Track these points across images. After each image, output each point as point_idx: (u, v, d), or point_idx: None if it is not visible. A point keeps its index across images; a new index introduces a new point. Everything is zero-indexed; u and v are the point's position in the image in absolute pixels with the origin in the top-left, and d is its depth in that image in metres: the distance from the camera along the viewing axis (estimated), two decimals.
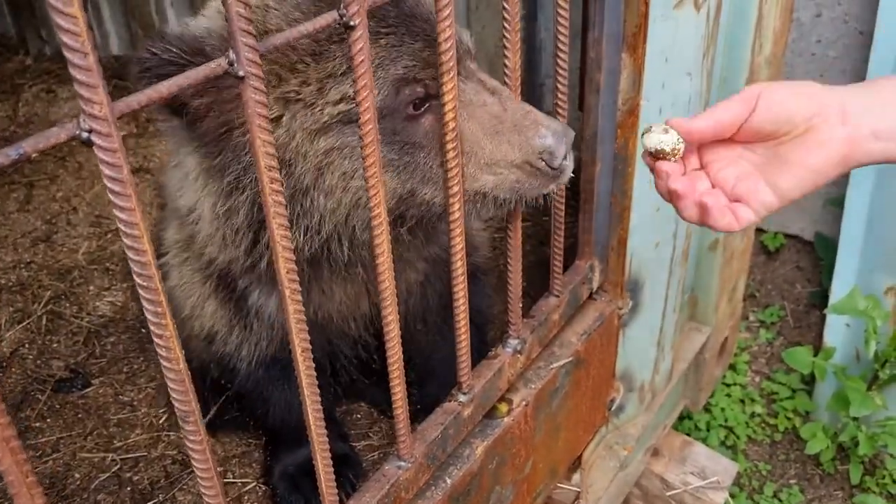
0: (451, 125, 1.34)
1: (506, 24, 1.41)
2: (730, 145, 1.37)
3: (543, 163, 1.46)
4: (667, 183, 1.36)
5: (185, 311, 1.98)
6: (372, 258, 1.33)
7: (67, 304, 2.98)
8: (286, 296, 1.16)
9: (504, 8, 1.40)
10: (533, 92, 3.53)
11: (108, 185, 0.90)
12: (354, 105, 1.38)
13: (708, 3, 1.86)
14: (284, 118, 1.45)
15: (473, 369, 1.76)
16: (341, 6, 1.12)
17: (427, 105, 1.48)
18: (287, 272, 1.14)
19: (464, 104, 1.46)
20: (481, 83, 1.52)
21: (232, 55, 0.99)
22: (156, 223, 2.15)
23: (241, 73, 0.99)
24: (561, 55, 1.59)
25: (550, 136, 1.45)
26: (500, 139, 1.47)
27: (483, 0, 3.46)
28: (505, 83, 1.50)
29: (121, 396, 2.61)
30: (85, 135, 0.87)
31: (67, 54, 0.82)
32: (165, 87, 0.94)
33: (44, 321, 2.90)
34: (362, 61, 1.15)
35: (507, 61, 1.45)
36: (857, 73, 3.28)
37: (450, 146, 1.36)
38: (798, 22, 3.31)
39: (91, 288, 3.07)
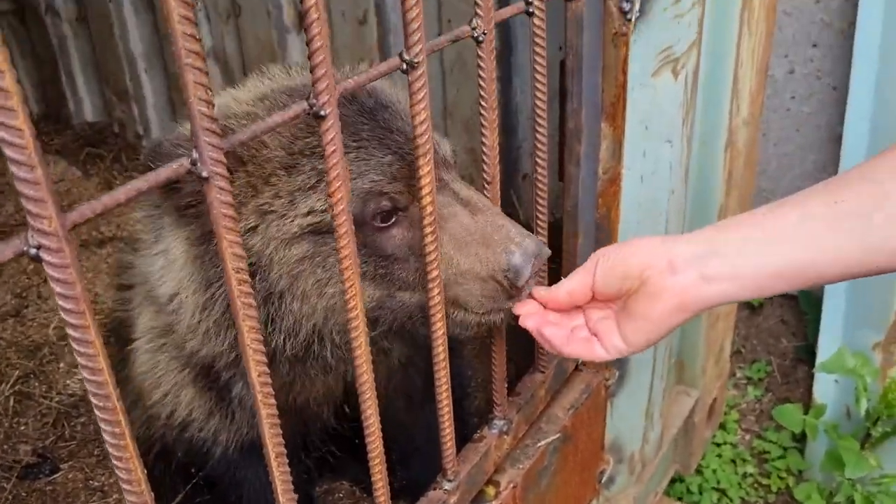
0: (431, 238, 1.32)
1: (483, 140, 1.38)
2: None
3: (507, 280, 1.43)
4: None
5: (154, 397, 1.90)
6: (351, 356, 1.27)
7: (37, 384, 2.88)
8: (258, 400, 1.09)
9: (482, 124, 1.37)
10: (510, 155, 3.51)
11: (60, 303, 0.83)
12: (324, 217, 1.42)
13: (686, 70, 1.84)
14: (260, 227, 1.47)
15: (459, 453, 1.69)
16: (311, 95, 1.07)
17: (394, 219, 1.49)
18: (258, 375, 1.07)
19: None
20: (454, 194, 1.51)
21: (195, 154, 0.93)
22: (118, 304, 2.08)
23: (204, 174, 0.93)
24: (540, 129, 1.56)
25: (519, 254, 1.41)
26: (468, 252, 1.44)
27: (457, 63, 3.46)
28: (483, 181, 1.46)
29: (91, 482, 2.50)
30: (33, 251, 0.80)
31: (13, 167, 0.77)
32: (123, 193, 0.88)
33: (11, 402, 2.79)
34: (334, 151, 1.10)
35: (485, 167, 1.42)
36: (832, 127, 3.29)
37: (430, 258, 1.33)
38: (772, 79, 3.33)
39: (61, 365, 2.97)
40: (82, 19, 4.68)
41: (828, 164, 3.36)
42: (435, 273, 1.34)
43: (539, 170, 1.62)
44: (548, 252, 1.47)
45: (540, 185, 1.64)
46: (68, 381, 2.87)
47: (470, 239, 1.44)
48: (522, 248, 1.41)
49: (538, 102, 1.53)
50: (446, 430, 1.53)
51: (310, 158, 1.45)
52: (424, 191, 1.29)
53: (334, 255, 1.45)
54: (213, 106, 0.91)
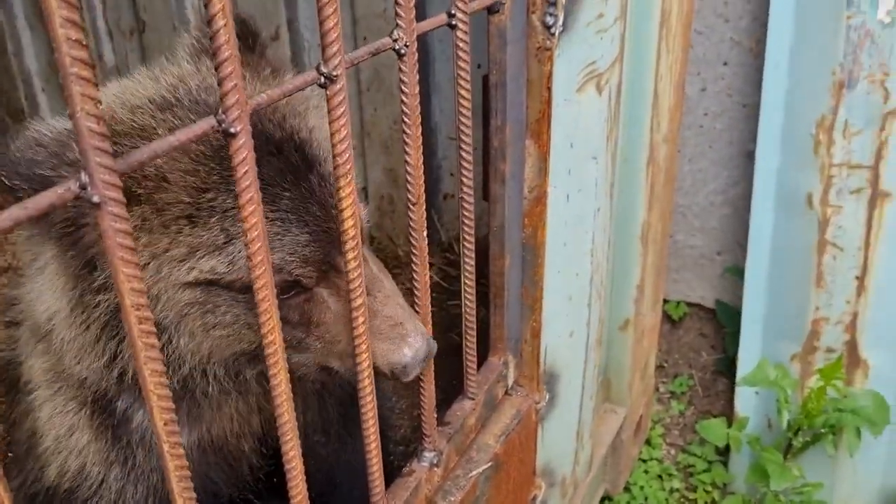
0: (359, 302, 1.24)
1: (407, 159, 1.30)
2: None
3: (392, 374, 1.44)
4: None
5: (45, 443, 1.71)
6: (265, 387, 1.19)
7: None
8: (164, 450, 0.97)
9: (405, 141, 1.29)
10: (430, 175, 3.45)
11: None
12: (225, 276, 1.35)
13: (609, 85, 1.81)
14: (151, 265, 1.38)
15: (388, 489, 1.59)
16: (220, 111, 0.97)
17: (293, 292, 1.44)
18: (165, 424, 0.95)
19: (337, 296, 1.44)
20: (366, 263, 1.47)
21: (84, 177, 0.82)
22: (4, 343, 1.89)
23: (95, 199, 0.82)
24: (464, 147, 1.49)
25: (410, 356, 1.42)
26: None
27: (374, 81, 3.38)
28: (408, 201, 1.38)
29: None
30: None
31: None
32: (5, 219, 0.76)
33: None
34: (246, 172, 1.00)
35: (410, 187, 1.33)
36: (744, 143, 3.35)
37: (358, 323, 1.25)
38: (685, 96, 3.38)
39: None
40: None
41: (740, 179, 3.42)
42: (362, 331, 1.25)
43: (464, 189, 1.55)
44: (435, 348, 1.48)
45: (465, 206, 1.57)
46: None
47: (370, 327, 1.38)
48: (414, 351, 1.42)
49: (462, 119, 1.46)
50: (374, 468, 1.44)
51: (220, 218, 1.34)
52: (347, 236, 1.20)
53: (225, 304, 1.40)
54: (104, 122, 0.80)
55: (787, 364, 3.01)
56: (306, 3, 3.33)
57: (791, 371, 3.00)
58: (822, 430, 2.86)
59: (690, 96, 3.39)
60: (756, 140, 2.94)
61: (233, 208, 1.34)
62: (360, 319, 1.26)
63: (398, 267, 3.55)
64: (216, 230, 1.34)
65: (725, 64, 3.30)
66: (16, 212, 0.78)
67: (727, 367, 3.60)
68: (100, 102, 0.80)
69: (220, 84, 0.95)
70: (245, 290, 1.36)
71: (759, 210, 2.97)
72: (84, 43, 0.77)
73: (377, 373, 1.40)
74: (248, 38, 1.60)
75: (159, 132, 1.37)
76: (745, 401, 3.20)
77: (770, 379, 2.84)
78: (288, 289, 1.41)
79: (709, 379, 3.73)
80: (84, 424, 1.67)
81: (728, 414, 3.35)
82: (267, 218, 1.35)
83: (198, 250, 1.35)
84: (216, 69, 0.94)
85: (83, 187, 0.82)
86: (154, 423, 0.94)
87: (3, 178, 1.22)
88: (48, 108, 4.33)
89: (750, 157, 3.15)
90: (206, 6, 0.93)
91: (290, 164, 1.40)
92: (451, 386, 1.93)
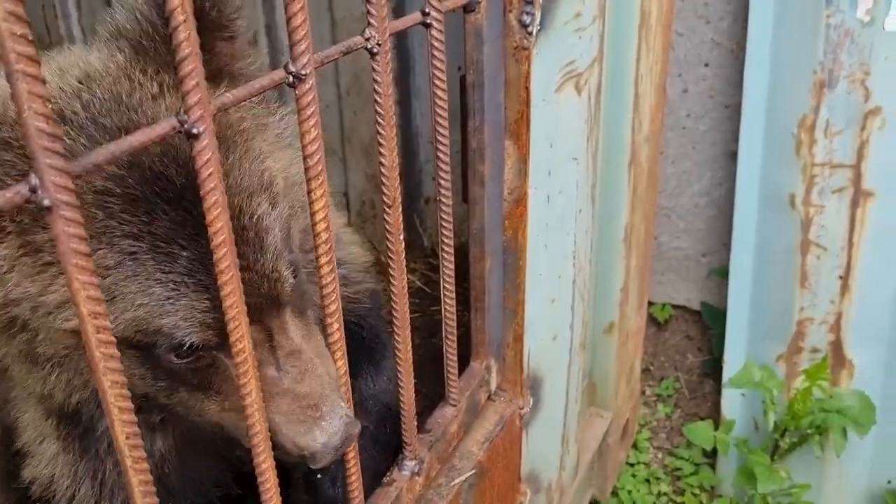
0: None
1: (382, 161, 1.27)
2: None
3: (302, 458, 1.27)
4: None
5: (21, 443, 1.64)
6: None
7: None
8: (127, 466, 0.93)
9: (379, 142, 1.26)
10: (412, 178, 3.41)
11: None
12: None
13: (589, 85, 1.79)
14: (24, 304, 1.23)
15: (367, 499, 1.56)
16: (181, 111, 0.93)
17: (195, 356, 1.26)
18: (127, 437, 0.91)
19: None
20: (271, 351, 1.27)
21: (34, 180, 0.78)
22: None
23: (46, 202, 0.78)
24: (441, 148, 1.46)
25: (321, 442, 1.24)
26: (273, 417, 1.23)
27: (354, 86, 3.35)
28: (384, 203, 1.34)
29: None
30: None
31: None
32: None
33: None
34: (210, 174, 0.96)
35: (385, 189, 1.30)
36: (726, 143, 3.34)
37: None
38: (667, 98, 3.36)
39: None
40: None
41: (724, 180, 3.41)
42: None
43: (442, 192, 1.52)
44: (353, 437, 1.29)
45: (444, 208, 1.54)
46: None
47: (276, 408, 1.23)
48: (327, 436, 1.24)
49: (439, 119, 1.43)
50: (353, 479, 1.40)
51: (100, 276, 1.14)
52: (321, 262, 1.16)
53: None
54: (54, 121, 0.76)
55: (772, 365, 3.00)
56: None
57: (777, 372, 2.99)
58: (809, 431, 2.85)
59: (672, 98, 3.37)
60: (739, 141, 2.93)
61: (116, 265, 1.16)
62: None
63: (380, 273, 3.50)
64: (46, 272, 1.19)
65: (707, 65, 3.29)
66: None
67: (713, 369, 3.58)
68: (49, 101, 0.77)
69: (181, 82, 0.92)
70: (131, 346, 1.21)
71: (743, 210, 2.96)
72: (30, 38, 0.73)
73: (286, 454, 1.25)
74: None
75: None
76: (732, 403, 3.18)
77: (756, 380, 2.83)
78: (186, 353, 1.24)
79: (695, 381, 3.71)
80: (52, 434, 1.59)
81: (715, 416, 3.33)
82: (158, 280, 1.17)
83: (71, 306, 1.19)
84: (176, 68, 0.91)
85: (33, 190, 0.79)
86: (116, 437, 0.90)
87: None
88: None
89: (733, 157, 3.14)
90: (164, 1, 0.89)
91: (191, 216, 1.18)
92: (436, 393, 1.90)
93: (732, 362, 3.09)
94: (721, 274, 3.46)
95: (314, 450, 1.23)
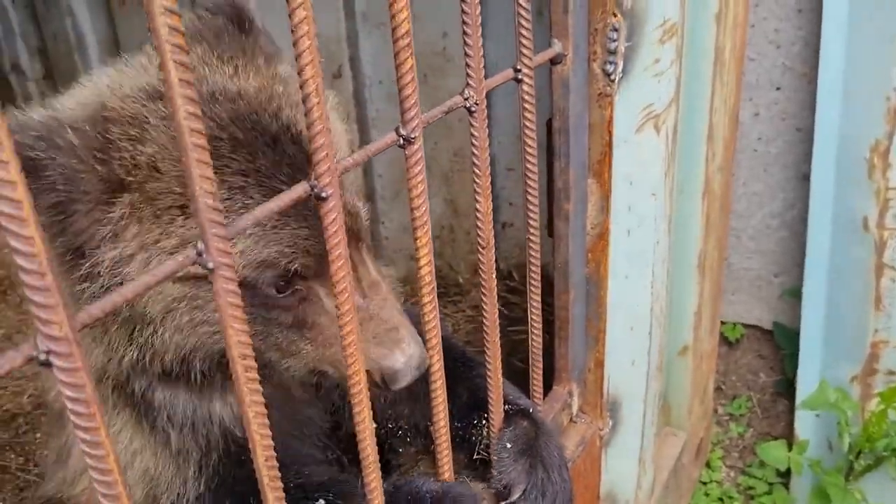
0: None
1: (478, 207, 1.39)
2: None
3: (382, 381, 1.40)
4: None
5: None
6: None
7: (13, 456, 2.79)
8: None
9: (475, 190, 1.38)
10: None
11: (70, 405, 0.81)
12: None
13: (667, 125, 1.87)
14: (138, 257, 1.33)
15: None
16: (312, 177, 1.07)
17: (295, 288, 1.40)
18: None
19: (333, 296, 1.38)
20: (357, 281, 1.41)
21: (200, 245, 0.92)
22: None
23: (210, 265, 0.92)
24: (531, 191, 1.57)
25: (403, 362, 1.38)
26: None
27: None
28: (478, 245, 1.45)
29: None
30: (43, 356, 0.78)
31: (23, 276, 0.75)
32: (130, 290, 0.86)
33: None
34: (335, 231, 1.09)
35: (480, 232, 1.42)
36: (798, 165, 3.36)
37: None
38: (739, 122, 3.40)
39: (38, 436, 2.88)
40: (48, 77, 4.63)
41: (796, 201, 3.42)
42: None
43: (531, 231, 1.62)
44: (427, 362, 1.41)
45: (532, 244, 1.65)
46: (46, 451, 2.78)
47: (366, 330, 1.37)
48: (407, 358, 1.38)
49: (528, 166, 1.54)
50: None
51: None
52: (423, 270, 1.28)
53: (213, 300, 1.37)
54: (217, 196, 0.90)
55: (846, 386, 3.01)
56: (368, 42, 3.45)
57: (851, 393, 2.99)
58: (885, 454, 2.85)
59: (744, 121, 3.41)
60: (811, 163, 2.96)
61: (227, 199, 1.29)
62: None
63: (459, 294, 3.63)
64: None
65: (778, 89, 3.32)
66: (146, 278, 0.88)
67: (786, 388, 3.59)
68: (214, 182, 0.90)
69: (312, 153, 1.05)
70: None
71: (816, 233, 2.98)
72: (202, 132, 0.87)
73: (369, 381, 1.34)
74: (242, 22, 1.55)
75: (151, 121, 1.34)
76: (805, 423, 3.19)
77: (830, 402, 2.84)
78: (285, 286, 1.37)
79: (767, 400, 3.72)
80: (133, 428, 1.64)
81: (787, 435, 3.35)
82: (242, 188, 1.32)
83: (189, 242, 1.29)
84: (310, 141, 1.04)
85: (199, 254, 0.92)
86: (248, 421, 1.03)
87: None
88: None
89: (805, 179, 3.17)
90: (299, 75, 1.02)
91: (286, 157, 1.34)
92: None
93: (806, 383, 3.10)
94: (794, 294, 3.48)
95: (397, 369, 1.36)
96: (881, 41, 2.64)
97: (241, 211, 1.30)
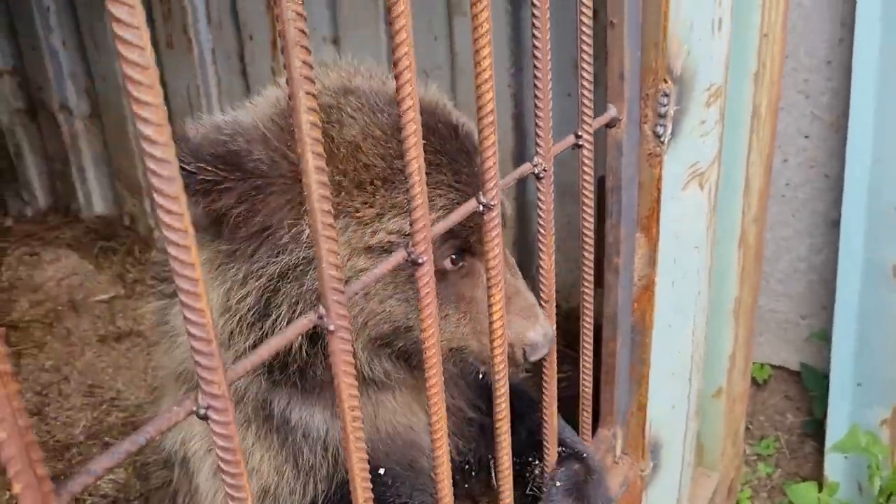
0: (497, 297, 1.39)
1: (541, 263, 1.49)
2: None
3: (523, 353, 1.55)
4: None
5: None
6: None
7: None
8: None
9: (540, 248, 1.48)
10: (525, 247, 3.64)
11: (219, 454, 0.92)
12: (405, 237, 1.44)
13: (710, 181, 1.98)
14: (336, 224, 1.44)
15: None
16: (409, 245, 1.18)
17: (462, 263, 1.56)
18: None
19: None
20: (504, 259, 1.57)
21: (322, 309, 1.03)
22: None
23: (331, 328, 1.03)
24: (587, 248, 1.68)
25: (542, 335, 1.55)
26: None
27: None
28: (541, 300, 1.57)
29: None
30: (202, 411, 0.90)
31: (193, 342, 0.86)
32: (273, 346, 0.98)
33: None
34: (427, 293, 1.21)
35: (542, 287, 1.53)
36: (827, 212, 3.46)
37: (496, 318, 1.41)
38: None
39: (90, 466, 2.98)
40: (95, 116, 4.81)
41: (823, 247, 3.52)
42: (500, 331, 1.42)
43: (585, 283, 1.73)
44: (555, 338, 1.60)
45: (586, 296, 1.75)
46: (99, 483, 2.89)
47: (508, 307, 1.52)
48: (545, 331, 1.55)
49: (585, 224, 1.66)
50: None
51: None
52: (494, 300, 1.39)
53: (399, 274, 1.49)
54: (339, 268, 1.01)
55: (876, 429, 3.08)
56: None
57: (881, 437, 3.06)
58: None
59: (773, 168, 3.52)
60: (839, 209, 3.06)
61: (426, 174, 1.48)
62: (497, 282, 1.35)
63: None
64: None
65: (807, 137, 3.43)
66: (277, 341, 1.00)
67: (814, 429, 3.66)
68: (338, 254, 1.02)
69: (411, 223, 1.17)
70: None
71: (845, 279, 3.08)
72: (330, 211, 0.98)
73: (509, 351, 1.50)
74: None
75: (347, 110, 1.53)
76: (835, 465, 3.26)
77: (861, 445, 2.91)
78: (458, 259, 1.54)
79: (795, 441, 3.78)
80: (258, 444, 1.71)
81: (816, 477, 3.41)
82: (452, 187, 1.52)
83: (389, 211, 1.47)
84: (411, 213, 1.16)
85: (321, 317, 1.04)
86: (343, 412, 1.14)
87: (181, 163, 1.32)
88: None
89: (833, 225, 3.26)
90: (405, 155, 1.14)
91: (463, 147, 1.56)
92: None
93: (835, 425, 3.17)
94: (822, 337, 3.56)
95: (537, 340, 1.53)
96: None
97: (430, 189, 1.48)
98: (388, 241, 1.48)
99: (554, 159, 1.52)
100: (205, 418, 0.90)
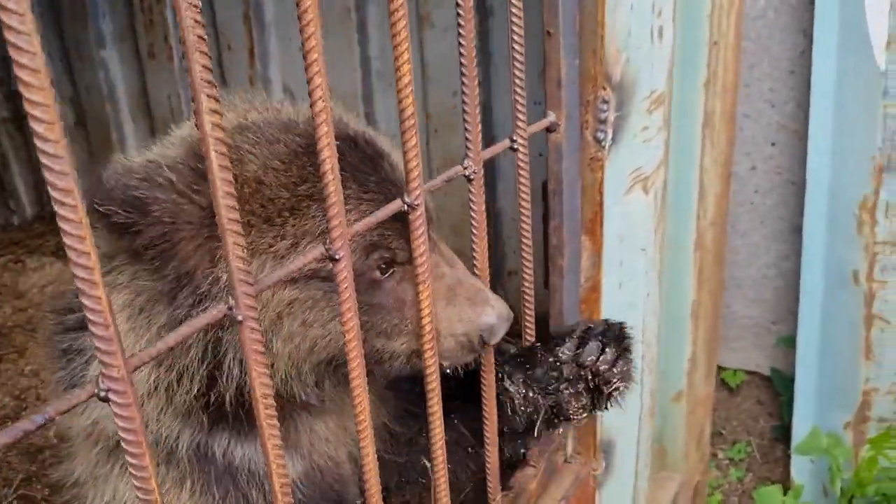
0: (425, 293, 1.44)
1: (475, 263, 1.55)
2: None
3: (481, 338, 1.57)
4: None
5: None
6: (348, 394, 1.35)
7: (39, 487, 2.93)
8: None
9: (473, 249, 1.54)
10: (496, 252, 3.70)
11: (122, 434, 0.97)
12: (325, 264, 1.36)
13: (655, 186, 2.03)
14: (253, 265, 1.45)
15: None
16: (327, 240, 1.23)
17: (391, 271, 1.57)
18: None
19: None
20: (440, 254, 1.63)
21: (231, 301, 1.08)
22: None
23: (239, 318, 1.08)
24: (525, 250, 1.73)
25: (496, 316, 1.56)
26: (451, 311, 1.57)
27: (444, 169, 3.68)
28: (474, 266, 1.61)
29: None
30: (103, 393, 0.94)
31: (92, 327, 0.91)
32: (173, 338, 1.03)
33: None
34: (346, 288, 1.25)
35: (476, 268, 1.57)
36: (793, 218, 3.51)
37: (425, 314, 1.45)
38: (736, 175, 3.56)
39: (63, 467, 3.02)
40: (80, 125, 4.87)
41: (790, 252, 3.57)
42: (428, 327, 1.46)
43: (525, 286, 1.78)
44: (512, 315, 1.60)
45: (527, 298, 1.80)
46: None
47: (454, 300, 1.57)
48: (497, 311, 1.56)
49: (524, 226, 1.70)
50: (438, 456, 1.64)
51: (320, 206, 1.47)
52: (422, 297, 1.44)
53: (324, 298, 1.49)
54: (247, 260, 1.06)
55: (840, 432, 3.11)
56: (381, 98, 3.65)
57: (845, 440, 3.10)
58: (876, 499, 2.94)
59: (741, 175, 3.57)
60: (803, 216, 3.11)
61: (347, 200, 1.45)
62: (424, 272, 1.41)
63: None
64: (318, 217, 1.46)
65: (773, 144, 3.49)
66: (184, 329, 1.04)
67: (784, 434, 3.69)
68: (246, 248, 1.06)
69: (328, 219, 1.21)
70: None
71: (809, 284, 3.12)
72: (235, 207, 1.03)
73: (463, 348, 1.55)
74: None
75: (245, 147, 1.52)
76: (801, 468, 3.30)
77: (823, 447, 2.95)
78: (387, 268, 1.54)
79: (766, 446, 3.82)
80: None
81: (784, 480, 3.44)
82: (359, 200, 1.51)
83: (303, 239, 1.46)
84: (326, 211, 1.21)
85: (230, 308, 1.09)
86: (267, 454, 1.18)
87: (95, 204, 1.34)
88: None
89: (799, 231, 3.31)
90: (318, 154, 1.19)
91: (366, 155, 1.56)
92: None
93: (801, 429, 3.22)
94: (788, 343, 3.60)
95: (492, 322, 1.54)
96: (866, 105, 2.80)
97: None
98: (309, 269, 1.47)
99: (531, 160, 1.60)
100: (106, 400, 0.95)
